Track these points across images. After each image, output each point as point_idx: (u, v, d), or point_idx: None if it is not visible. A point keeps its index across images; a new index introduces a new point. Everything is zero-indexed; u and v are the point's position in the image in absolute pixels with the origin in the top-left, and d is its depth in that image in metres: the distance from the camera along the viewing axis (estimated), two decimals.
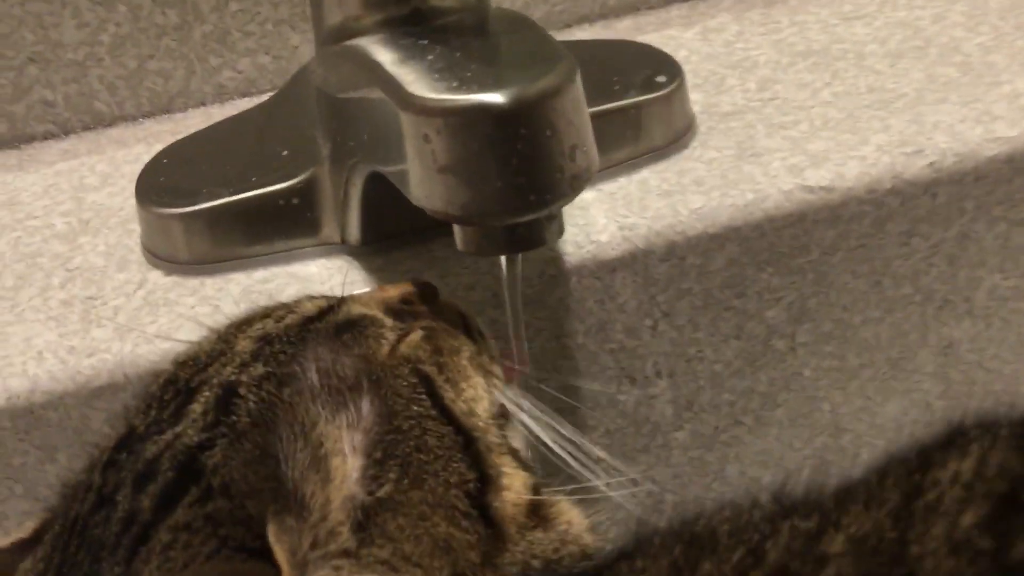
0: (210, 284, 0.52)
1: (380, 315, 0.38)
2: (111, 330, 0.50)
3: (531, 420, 0.40)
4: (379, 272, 0.51)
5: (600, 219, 0.53)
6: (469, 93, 0.36)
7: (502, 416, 0.39)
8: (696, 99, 0.60)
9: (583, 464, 0.40)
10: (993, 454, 0.28)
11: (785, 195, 0.53)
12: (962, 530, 0.27)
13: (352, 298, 0.40)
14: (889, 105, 0.58)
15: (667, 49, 0.62)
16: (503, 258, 0.42)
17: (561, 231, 0.40)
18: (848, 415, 0.59)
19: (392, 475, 0.33)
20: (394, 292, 0.41)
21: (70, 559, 0.32)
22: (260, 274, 0.52)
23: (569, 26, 0.70)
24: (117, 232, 0.56)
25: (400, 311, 0.40)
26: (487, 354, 0.41)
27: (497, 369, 0.41)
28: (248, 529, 0.30)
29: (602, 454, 0.40)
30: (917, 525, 0.27)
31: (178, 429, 0.33)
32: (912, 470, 0.29)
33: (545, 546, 0.35)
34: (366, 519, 0.32)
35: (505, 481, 0.36)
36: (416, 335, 0.38)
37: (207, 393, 0.34)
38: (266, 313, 0.39)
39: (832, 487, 0.31)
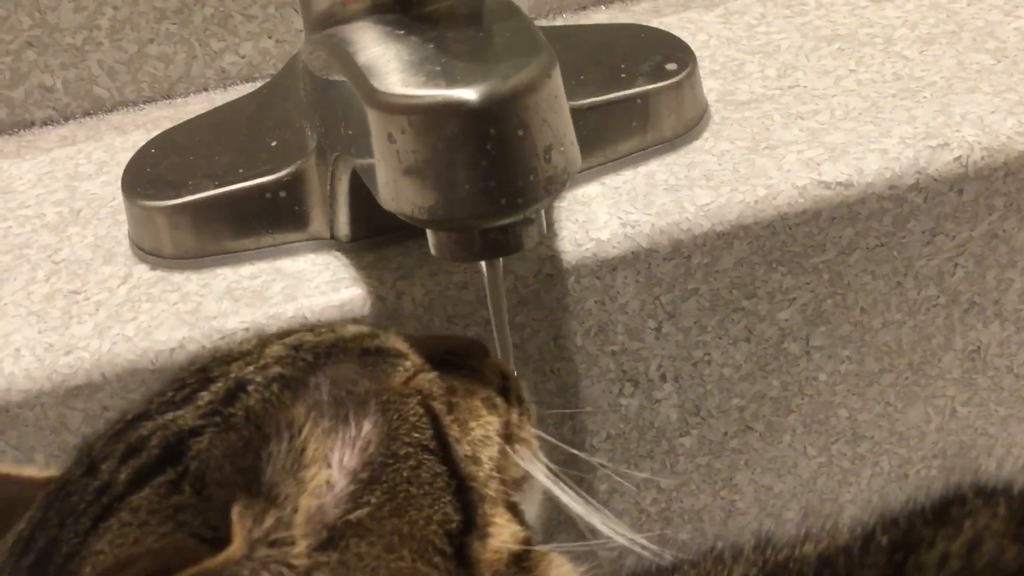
0: (195, 279, 0.50)
1: (412, 354, 0.38)
2: (91, 327, 0.48)
3: (553, 486, 0.38)
4: (369, 269, 0.49)
5: (602, 215, 0.50)
6: (436, 89, 0.34)
7: (523, 480, 0.38)
8: (712, 87, 0.57)
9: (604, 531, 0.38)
10: (986, 538, 0.25)
11: (799, 191, 0.50)
12: None
13: (395, 335, 0.39)
14: (916, 94, 0.54)
15: (686, 33, 0.59)
16: (483, 263, 0.40)
17: (541, 234, 0.37)
18: (866, 422, 0.56)
19: (373, 499, 0.32)
20: (442, 343, 0.41)
21: (45, 522, 0.32)
22: (247, 269, 0.50)
23: (584, 8, 0.67)
24: (107, 223, 0.55)
25: (435, 358, 0.39)
26: (520, 417, 0.39)
27: (528, 434, 0.39)
28: (206, 518, 0.30)
29: (626, 531, 0.38)
30: None
31: (180, 412, 0.33)
32: (897, 544, 0.27)
33: None
34: (329, 539, 0.31)
35: (492, 530, 0.34)
36: (432, 373, 0.37)
37: (220, 384, 0.34)
38: (310, 328, 0.39)
39: (815, 552, 0.29)
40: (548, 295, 0.50)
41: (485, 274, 0.40)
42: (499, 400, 0.39)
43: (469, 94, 0.34)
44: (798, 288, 0.52)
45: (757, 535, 0.31)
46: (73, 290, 0.50)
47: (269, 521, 0.30)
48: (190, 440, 0.32)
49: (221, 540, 0.29)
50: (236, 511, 0.30)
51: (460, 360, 0.40)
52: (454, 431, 0.36)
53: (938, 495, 0.28)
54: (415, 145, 0.34)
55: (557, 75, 0.35)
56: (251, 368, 0.35)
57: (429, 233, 0.38)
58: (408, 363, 0.37)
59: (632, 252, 0.49)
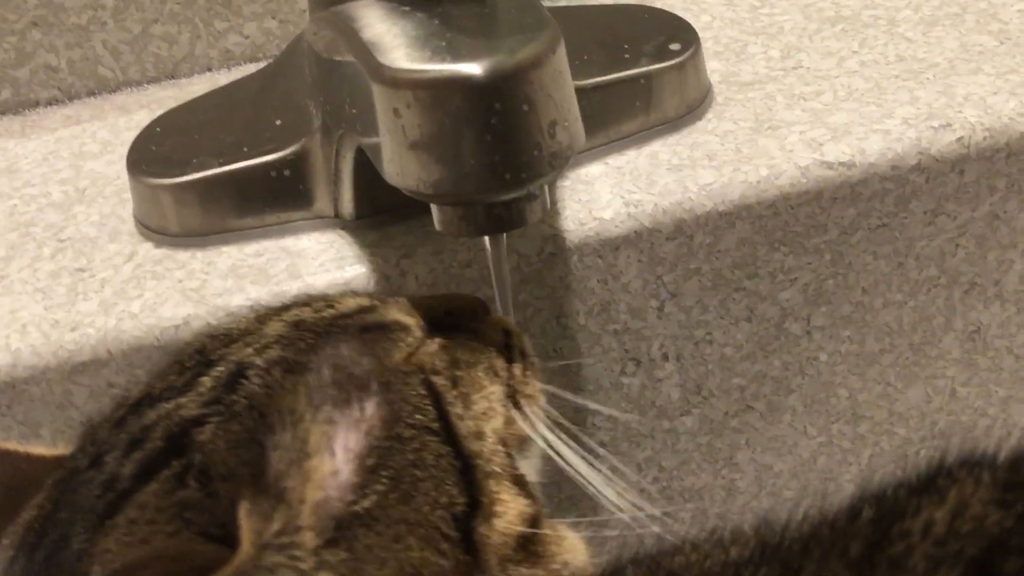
0: (200, 257, 0.51)
1: (413, 323, 0.37)
2: (96, 304, 0.48)
3: (556, 444, 0.38)
4: (373, 247, 0.50)
5: (605, 194, 0.50)
6: (442, 63, 0.34)
7: (523, 443, 0.38)
8: (715, 67, 0.57)
9: (607, 498, 0.38)
10: (971, 505, 0.25)
11: (802, 171, 0.50)
12: None
13: (393, 301, 0.39)
14: (918, 75, 0.54)
15: (689, 14, 0.59)
16: (487, 238, 0.40)
17: (544, 209, 0.37)
18: (867, 402, 0.56)
19: (380, 487, 0.31)
20: (440, 303, 0.40)
21: (53, 515, 0.32)
22: (251, 248, 0.51)
23: None
24: (112, 202, 0.55)
25: (437, 321, 0.38)
26: (524, 374, 0.39)
27: (533, 389, 0.39)
28: (213, 515, 0.29)
29: (627, 491, 0.38)
30: None
31: (181, 400, 0.33)
32: (883, 514, 0.27)
33: None
34: (337, 531, 0.30)
35: (498, 508, 0.34)
36: (433, 345, 0.36)
37: (221, 368, 0.34)
38: (307, 302, 0.38)
39: (806, 525, 0.29)
40: (551, 274, 0.50)
41: (489, 250, 0.40)
42: (500, 363, 0.38)
43: (474, 68, 0.34)
44: (800, 268, 0.52)
45: (756, 517, 0.31)
46: (79, 268, 0.51)
47: (278, 522, 0.29)
48: (193, 430, 0.31)
49: (229, 538, 0.28)
50: (243, 509, 0.29)
51: (461, 320, 0.39)
52: (457, 408, 0.35)
53: (924, 468, 0.28)
54: (420, 120, 0.34)
55: (562, 51, 0.35)
56: (250, 350, 0.34)
57: (434, 208, 0.38)
58: (409, 338, 0.36)
59: (635, 231, 0.50)
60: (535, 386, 0.39)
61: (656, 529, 0.37)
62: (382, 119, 0.35)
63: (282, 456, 0.30)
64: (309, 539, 0.30)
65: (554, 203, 0.49)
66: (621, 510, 0.37)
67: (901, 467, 0.30)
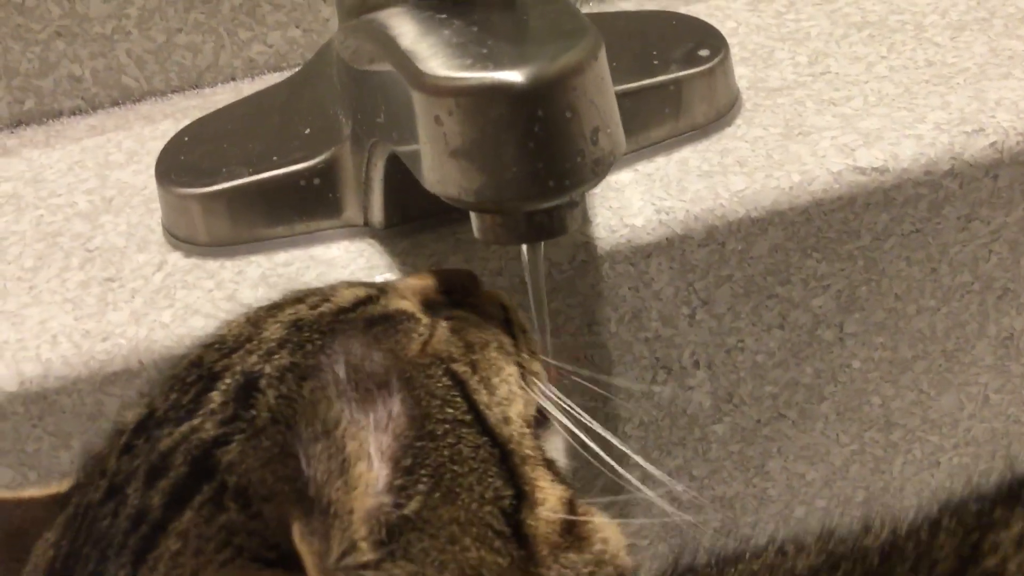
0: (230, 267, 0.50)
1: (415, 310, 0.36)
2: (127, 314, 0.48)
3: (570, 422, 0.37)
4: (403, 256, 0.49)
5: (636, 202, 0.50)
6: (484, 71, 0.34)
7: (539, 422, 0.37)
8: (743, 74, 0.57)
9: (623, 472, 0.37)
10: None
11: (834, 177, 0.50)
12: None
13: (391, 288, 0.38)
14: (949, 80, 0.54)
15: (714, 20, 0.59)
16: (524, 246, 0.40)
17: (584, 218, 0.37)
18: (899, 409, 0.56)
19: (422, 487, 0.30)
20: (432, 281, 0.39)
21: (76, 552, 0.31)
22: (281, 257, 0.50)
23: None
24: (139, 211, 0.55)
25: (435, 302, 0.37)
26: (527, 350, 0.38)
27: (537, 366, 0.38)
28: (264, 538, 0.28)
29: (651, 468, 0.38)
30: None
31: (195, 422, 0.31)
32: (970, 527, 0.26)
33: (579, 569, 0.32)
34: (389, 537, 0.29)
35: (539, 496, 0.33)
36: (443, 330, 0.35)
37: (228, 381, 0.32)
38: (299, 298, 0.37)
39: (877, 543, 0.28)
40: (582, 281, 0.50)
41: (526, 258, 0.40)
42: (507, 340, 0.37)
43: (516, 76, 0.33)
44: (832, 275, 0.52)
45: (820, 528, 0.31)
46: (108, 277, 0.51)
47: (336, 543, 0.28)
48: (216, 451, 0.30)
49: (284, 560, 0.27)
50: (297, 533, 0.28)
51: (455, 297, 0.38)
52: (482, 396, 0.34)
53: (1000, 479, 0.27)
54: (463, 127, 0.34)
55: (603, 56, 0.35)
56: (254, 358, 0.33)
57: (473, 216, 0.38)
58: (419, 327, 0.35)
59: (666, 238, 0.49)
60: (538, 362, 0.38)
61: (687, 517, 0.36)
62: (423, 127, 0.35)
63: (321, 468, 0.29)
64: (370, 554, 0.29)
65: (587, 215, 0.49)
66: (640, 488, 0.36)
67: (946, 479, 0.29)
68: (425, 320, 0.35)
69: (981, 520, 0.26)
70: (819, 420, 0.55)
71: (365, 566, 0.29)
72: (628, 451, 0.37)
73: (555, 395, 0.37)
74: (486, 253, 0.49)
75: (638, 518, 0.36)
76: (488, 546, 0.30)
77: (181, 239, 0.51)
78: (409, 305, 0.36)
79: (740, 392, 0.54)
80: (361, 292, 0.36)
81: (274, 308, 0.36)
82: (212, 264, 0.51)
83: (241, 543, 0.28)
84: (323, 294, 0.36)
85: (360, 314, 0.35)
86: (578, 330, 0.51)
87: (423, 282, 0.39)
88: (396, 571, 0.29)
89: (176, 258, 0.51)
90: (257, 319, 0.35)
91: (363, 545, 0.29)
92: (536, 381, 0.37)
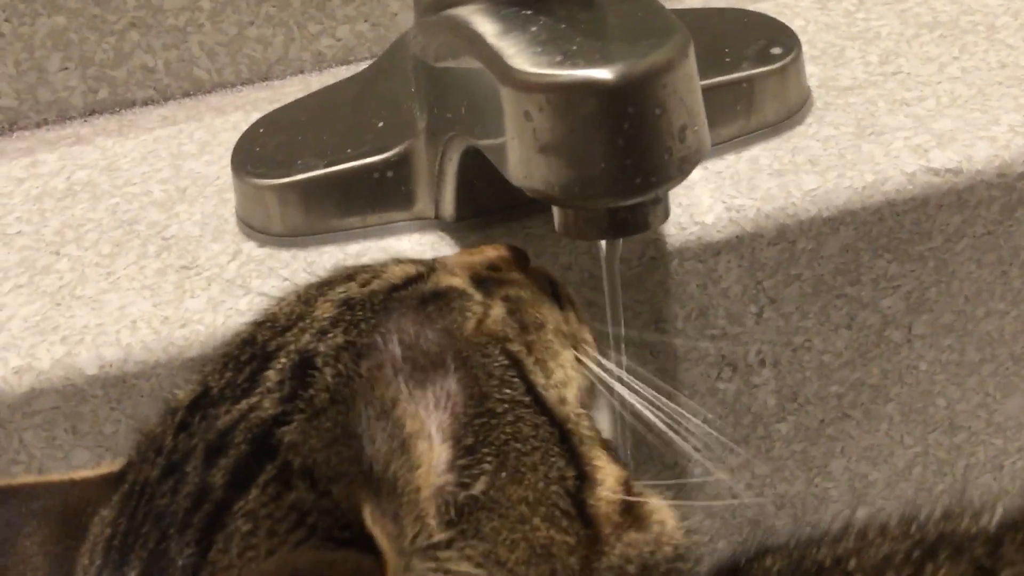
0: (303, 257, 0.51)
1: (468, 288, 0.36)
2: (204, 301, 0.49)
3: (624, 390, 0.37)
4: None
5: (706, 199, 0.50)
6: (574, 68, 0.34)
7: (589, 394, 0.37)
8: (813, 72, 0.57)
9: (683, 439, 0.37)
10: None
11: (908, 177, 0.50)
12: None
13: (440, 265, 0.37)
14: (1022, 83, 0.54)
15: (783, 18, 0.59)
16: (603, 242, 0.40)
17: (666, 215, 0.37)
18: (965, 412, 0.56)
19: (487, 466, 0.30)
20: (482, 257, 0.39)
21: (135, 529, 0.31)
22: (353, 248, 0.51)
23: None
24: (213, 201, 0.55)
25: (486, 279, 0.37)
26: (576, 321, 0.38)
27: (587, 335, 0.38)
28: (335, 518, 0.28)
29: (703, 426, 0.37)
30: None
31: (253, 400, 0.31)
32: None
33: (641, 548, 0.32)
34: (458, 516, 0.29)
35: (599, 476, 0.33)
36: (499, 309, 0.35)
37: (283, 360, 0.32)
38: (350, 275, 0.36)
39: (970, 525, 0.28)
40: (650, 278, 0.50)
41: (604, 253, 0.40)
42: (560, 318, 0.37)
43: (607, 73, 0.34)
44: (903, 276, 0.52)
45: (900, 514, 0.31)
46: (184, 265, 0.51)
47: (409, 524, 0.29)
48: (276, 430, 0.30)
49: (357, 540, 0.27)
50: (369, 515, 0.28)
51: (502, 274, 0.38)
52: (539, 378, 0.34)
53: None
54: (552, 123, 0.34)
55: (692, 54, 0.35)
56: (308, 336, 0.33)
57: (556, 211, 0.38)
58: (473, 304, 0.34)
59: (736, 237, 0.49)
60: (587, 333, 0.38)
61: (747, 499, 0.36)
62: (511, 122, 0.35)
63: (383, 448, 0.29)
64: (441, 534, 0.29)
65: (668, 214, 0.49)
66: (694, 455, 0.36)
67: (1008, 483, 0.29)
68: (478, 297, 0.35)
69: None
70: (884, 421, 0.55)
71: (438, 546, 0.29)
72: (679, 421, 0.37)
73: (607, 363, 0.37)
74: (556, 248, 0.49)
75: (698, 500, 0.37)
76: (556, 525, 0.30)
77: (255, 229, 0.52)
78: (460, 282, 0.36)
79: (805, 391, 0.54)
80: (411, 269, 0.36)
81: (324, 286, 0.36)
82: (285, 254, 0.51)
83: (314, 523, 0.28)
84: (373, 271, 0.36)
85: (412, 292, 0.34)
86: (645, 326, 0.51)
87: (472, 258, 0.39)
88: (469, 551, 0.29)
89: (250, 247, 0.52)
90: (308, 297, 0.35)
91: (433, 524, 0.29)
92: (588, 351, 0.37)
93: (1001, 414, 0.56)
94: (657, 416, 0.37)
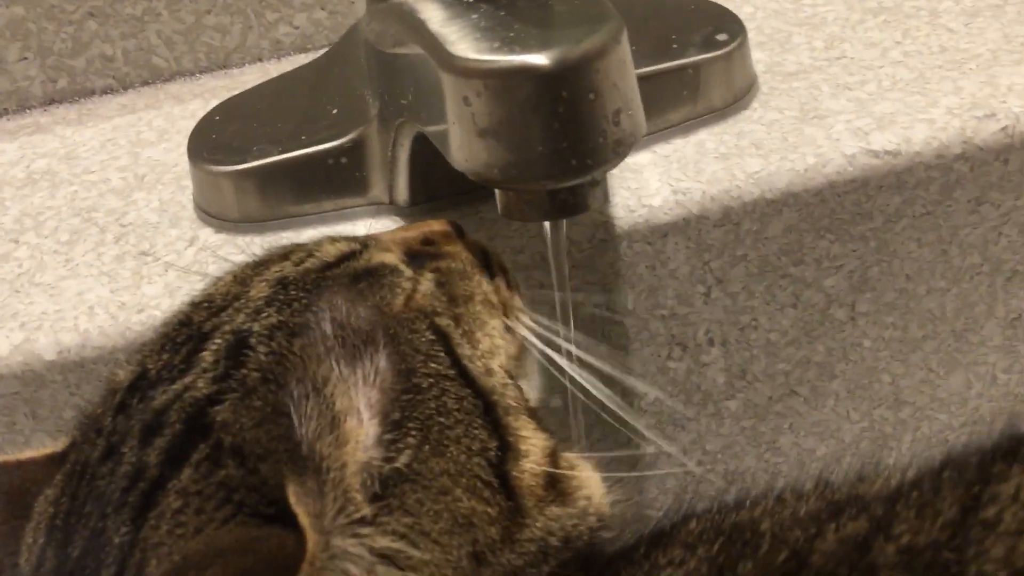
0: (259, 242, 0.52)
1: (399, 263, 0.37)
2: (161, 287, 0.50)
3: (567, 360, 0.38)
4: None
5: (653, 182, 0.51)
6: (511, 54, 0.35)
7: (519, 362, 0.38)
8: (760, 58, 0.58)
9: (619, 404, 0.38)
10: None
11: (848, 159, 0.51)
12: (1022, 554, 0.25)
13: (374, 241, 0.38)
14: (962, 66, 0.55)
15: (732, 5, 0.60)
16: (547, 224, 0.41)
17: (605, 196, 0.38)
18: (909, 388, 0.57)
19: (412, 440, 0.31)
20: (416, 232, 0.40)
21: (77, 509, 0.32)
22: (309, 233, 0.52)
23: None
24: (171, 188, 0.56)
25: (419, 253, 0.38)
26: (506, 289, 0.39)
27: (517, 301, 0.39)
28: (262, 495, 0.29)
29: (643, 387, 0.38)
30: (975, 544, 0.26)
31: (188, 380, 0.32)
32: (971, 480, 0.28)
33: (564, 522, 0.33)
34: (383, 489, 0.30)
35: (524, 447, 0.34)
36: (428, 283, 0.36)
37: (218, 340, 0.33)
38: (285, 255, 0.37)
39: (881, 486, 0.30)
40: (601, 259, 0.51)
41: (548, 235, 0.42)
42: (489, 288, 0.38)
43: (542, 59, 0.35)
44: (845, 255, 0.53)
45: (816, 478, 0.32)
46: (142, 252, 0.52)
47: (331, 501, 0.29)
48: (210, 409, 0.31)
49: (282, 516, 0.28)
50: (292, 493, 0.29)
51: (437, 247, 0.39)
52: (465, 349, 0.35)
53: (999, 437, 0.29)
54: (490, 108, 0.35)
55: (625, 41, 0.36)
56: (242, 316, 0.33)
57: (498, 194, 0.39)
58: (403, 280, 0.35)
59: (683, 219, 0.51)
60: (518, 300, 0.39)
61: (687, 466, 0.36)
62: (451, 107, 0.36)
63: (312, 426, 0.30)
64: (366, 510, 0.30)
65: (608, 195, 0.50)
66: (640, 427, 0.36)
67: (940, 452, 0.31)
68: (408, 273, 0.36)
69: (982, 473, 0.28)
70: (830, 397, 0.57)
71: (361, 521, 0.29)
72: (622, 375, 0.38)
73: (538, 323, 0.38)
74: (508, 231, 0.50)
75: (638, 471, 0.38)
76: (478, 496, 0.31)
77: (212, 215, 0.53)
78: (392, 258, 0.37)
79: (753, 369, 0.55)
80: (344, 247, 0.37)
81: (260, 266, 0.37)
82: (242, 240, 0.52)
83: (240, 500, 0.29)
84: (307, 250, 0.37)
85: (344, 270, 0.35)
86: (596, 307, 0.52)
87: (407, 233, 0.40)
88: (393, 524, 0.30)
89: (207, 234, 0.53)
90: (244, 277, 0.36)
91: (358, 498, 0.30)
92: (519, 316, 0.38)
93: (944, 390, 0.58)
94: (600, 379, 0.38)
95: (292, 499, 0.28)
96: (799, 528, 0.30)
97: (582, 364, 0.39)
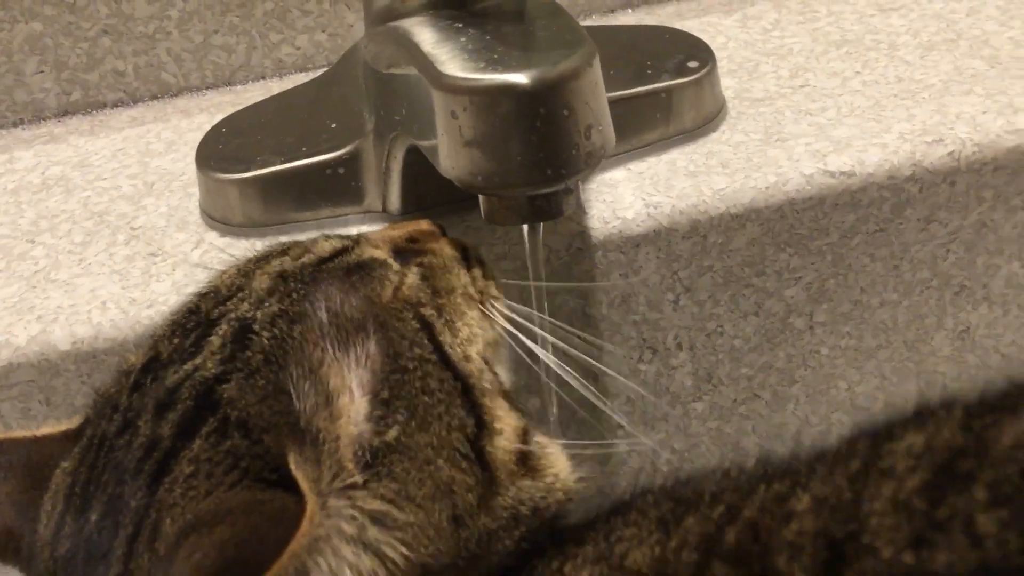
0: (260, 246, 0.55)
1: (388, 258, 0.41)
2: (169, 284, 0.54)
3: (541, 342, 0.42)
4: None
5: (627, 197, 0.56)
6: (494, 73, 0.39)
7: (495, 348, 0.41)
8: (729, 84, 0.62)
9: (584, 385, 0.42)
10: (944, 430, 0.30)
11: (807, 179, 0.55)
12: (905, 492, 0.29)
13: (364, 239, 0.42)
14: (915, 95, 0.60)
15: (706, 35, 0.64)
16: (525, 227, 0.45)
17: (578, 204, 0.43)
18: (864, 394, 0.61)
19: (399, 417, 0.35)
20: (402, 231, 0.44)
21: (96, 479, 0.35)
22: (307, 237, 0.56)
23: (613, 11, 0.72)
24: (178, 195, 0.60)
25: (405, 249, 0.42)
26: (483, 278, 0.43)
27: (493, 289, 0.43)
28: (266, 462, 0.32)
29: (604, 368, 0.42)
30: (870, 487, 0.30)
31: (197, 361, 0.35)
32: (876, 441, 0.32)
33: (533, 494, 0.37)
34: (373, 459, 0.34)
35: (498, 426, 0.38)
36: (414, 277, 0.40)
37: (224, 327, 0.36)
38: (284, 250, 0.41)
39: (807, 453, 0.34)
40: (578, 267, 0.55)
41: (527, 238, 0.46)
42: (468, 281, 0.41)
43: (522, 78, 0.39)
44: (804, 268, 0.57)
45: (757, 457, 0.37)
46: (151, 253, 0.56)
47: (327, 468, 0.33)
48: (218, 387, 0.34)
49: (285, 482, 0.32)
50: (292, 461, 0.32)
51: (421, 244, 0.43)
52: (446, 336, 0.39)
53: (911, 409, 0.33)
54: (475, 121, 0.40)
55: (597, 64, 0.41)
56: (246, 305, 0.37)
57: (482, 199, 0.43)
58: (391, 273, 0.39)
59: (654, 230, 0.55)
60: (494, 288, 0.43)
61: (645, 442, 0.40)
62: (440, 121, 0.41)
63: (309, 402, 0.34)
64: (357, 476, 0.33)
65: (581, 203, 0.54)
66: (605, 407, 0.40)
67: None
68: (396, 267, 0.40)
69: (885, 435, 0.32)
70: (790, 401, 0.61)
71: (354, 486, 0.33)
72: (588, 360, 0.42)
73: (514, 311, 0.42)
74: (492, 238, 0.54)
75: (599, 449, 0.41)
76: (457, 467, 0.35)
77: (217, 220, 0.57)
78: (381, 253, 0.41)
79: (719, 373, 0.59)
80: (338, 243, 0.41)
81: (261, 260, 0.41)
82: (245, 243, 0.56)
83: (246, 466, 0.32)
84: (304, 246, 0.41)
85: (338, 263, 0.39)
86: (572, 312, 0.56)
87: (394, 232, 0.44)
88: (382, 490, 0.34)
89: (212, 237, 0.57)
90: (247, 270, 0.40)
91: (350, 466, 0.33)
92: (495, 304, 0.42)
93: (898, 396, 0.62)
94: (571, 364, 0.42)
95: (292, 466, 0.32)
96: (735, 490, 0.34)
97: (556, 350, 0.43)
